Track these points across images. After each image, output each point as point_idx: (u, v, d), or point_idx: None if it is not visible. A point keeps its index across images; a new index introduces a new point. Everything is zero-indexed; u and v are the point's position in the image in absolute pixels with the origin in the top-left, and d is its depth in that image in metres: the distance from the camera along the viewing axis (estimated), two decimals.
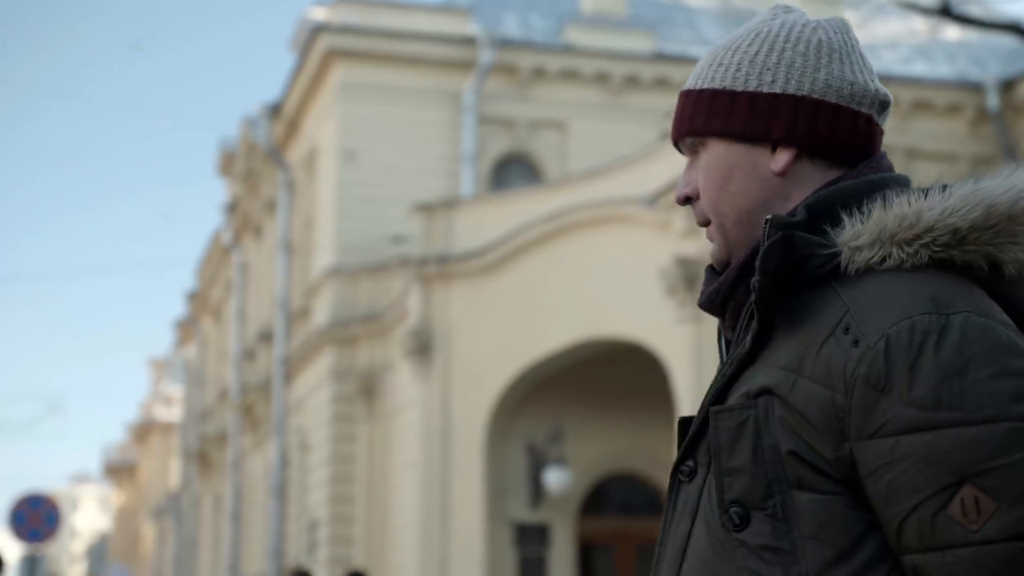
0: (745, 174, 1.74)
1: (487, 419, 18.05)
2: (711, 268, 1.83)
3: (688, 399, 14.89)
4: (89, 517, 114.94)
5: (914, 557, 1.55)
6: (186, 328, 39.95)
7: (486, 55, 22.08)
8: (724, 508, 1.64)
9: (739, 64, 1.74)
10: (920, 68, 24.34)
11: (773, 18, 1.78)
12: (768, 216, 1.65)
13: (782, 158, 1.73)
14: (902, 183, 1.72)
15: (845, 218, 1.65)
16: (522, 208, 18.39)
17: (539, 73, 22.49)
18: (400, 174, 21.87)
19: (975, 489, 1.49)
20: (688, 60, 23.29)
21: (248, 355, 28.59)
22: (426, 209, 19.24)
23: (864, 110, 1.74)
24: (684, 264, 14.91)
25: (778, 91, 1.72)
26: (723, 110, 1.73)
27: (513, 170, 22.79)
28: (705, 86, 1.76)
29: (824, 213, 1.68)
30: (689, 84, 1.80)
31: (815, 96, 1.71)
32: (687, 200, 1.82)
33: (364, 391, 21.99)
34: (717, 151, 1.75)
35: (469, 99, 21.99)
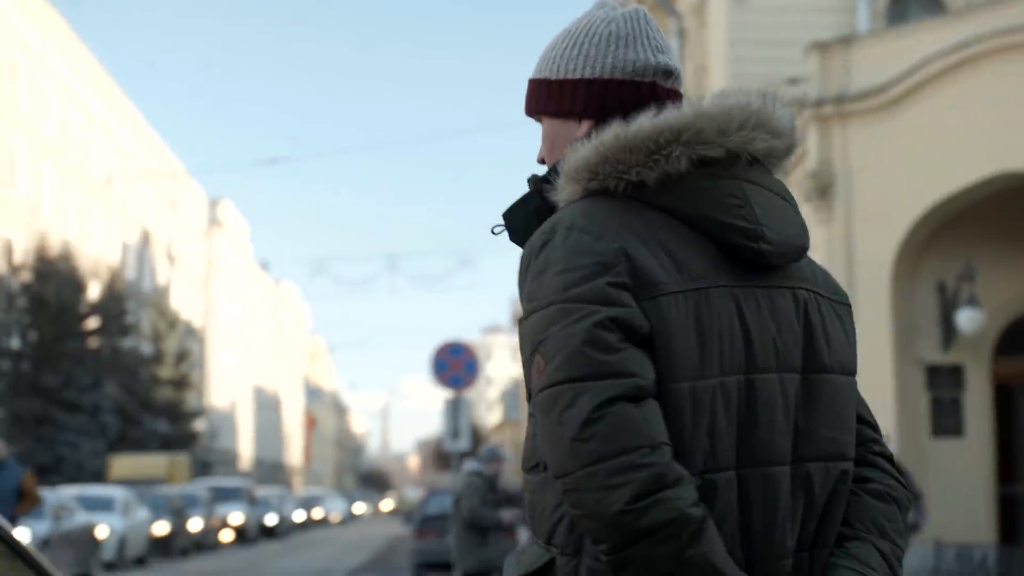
0: (563, 141, 2.24)
1: (893, 260, 17.68)
2: None
3: None
4: (501, 366, 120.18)
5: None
6: None
7: None
8: (528, 395, 2.11)
9: (554, 58, 2.25)
10: None
11: (584, 16, 2.28)
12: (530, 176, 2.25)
13: (584, 127, 2.21)
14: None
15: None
16: (923, 41, 17.66)
17: None
18: (793, 13, 21.39)
19: (538, 355, 1.99)
20: None
21: None
22: (822, 48, 18.78)
23: (647, 79, 2.20)
24: None
25: (577, 77, 2.21)
26: (543, 95, 2.26)
27: (911, 2, 21.84)
28: (535, 76, 2.28)
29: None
30: (531, 74, 2.31)
31: (604, 77, 2.20)
32: (543, 161, 2.31)
33: None
34: (546, 125, 2.27)
35: None
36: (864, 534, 2.12)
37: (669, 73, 2.22)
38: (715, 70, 23.33)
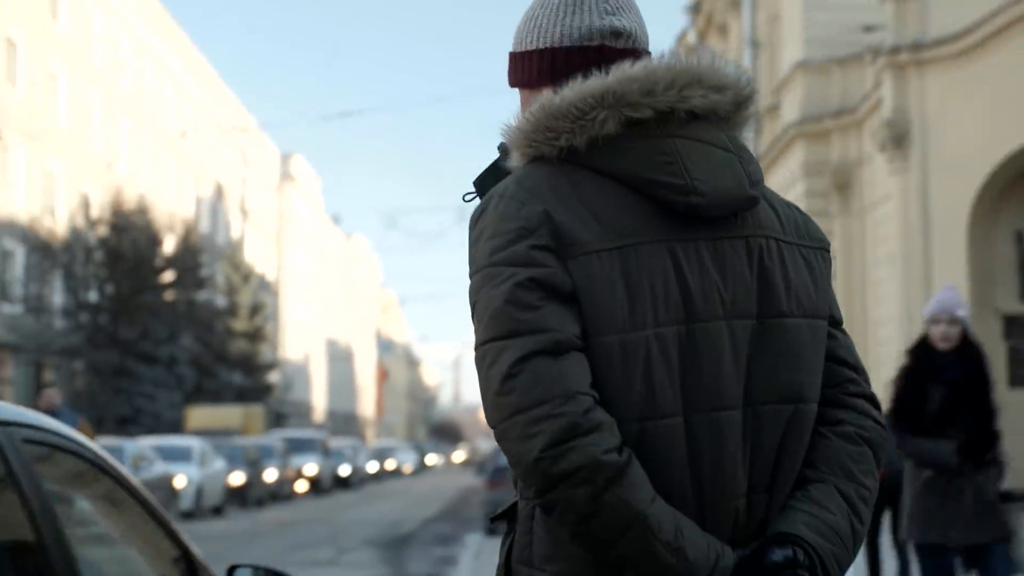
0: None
1: (970, 209, 17.45)
2: None
3: None
4: None
5: None
6: None
7: None
8: None
9: (519, 32, 2.36)
10: None
11: None
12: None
13: (542, 95, 2.26)
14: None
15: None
16: None
17: None
18: None
19: (474, 316, 2.13)
20: None
21: None
22: None
23: (595, 43, 2.27)
24: None
25: (532, 48, 2.32)
26: (513, 68, 2.37)
27: None
28: (511, 49, 2.39)
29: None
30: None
31: (554, 45, 2.29)
32: None
33: (839, 185, 21.71)
34: (521, 95, 2.38)
35: None
36: (828, 476, 2.18)
37: (618, 34, 2.29)
38: (788, 19, 23.03)
